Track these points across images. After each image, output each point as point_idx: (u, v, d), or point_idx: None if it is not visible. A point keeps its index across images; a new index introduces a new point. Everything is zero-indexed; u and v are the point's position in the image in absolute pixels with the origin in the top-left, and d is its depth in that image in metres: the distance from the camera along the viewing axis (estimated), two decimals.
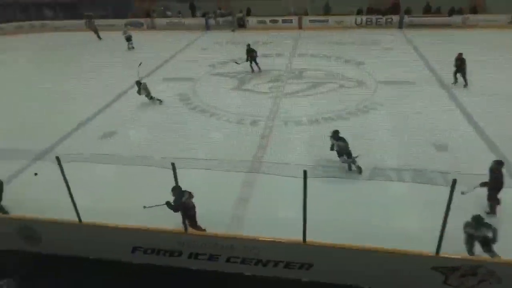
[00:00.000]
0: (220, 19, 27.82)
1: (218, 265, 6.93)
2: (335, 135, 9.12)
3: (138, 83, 13.95)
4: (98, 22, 27.51)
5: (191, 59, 20.13)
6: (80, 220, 7.07)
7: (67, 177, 6.58)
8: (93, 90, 16.06)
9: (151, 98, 14.17)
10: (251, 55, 17.18)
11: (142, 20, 28.41)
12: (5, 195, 8.21)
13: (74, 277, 6.99)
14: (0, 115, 13.92)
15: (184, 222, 6.82)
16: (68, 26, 28.92)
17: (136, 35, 23.82)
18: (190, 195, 7.20)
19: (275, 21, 27.22)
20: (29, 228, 7.33)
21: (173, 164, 6.14)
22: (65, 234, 7.24)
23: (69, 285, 6.88)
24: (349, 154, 9.06)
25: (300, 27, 26.79)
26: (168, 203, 6.92)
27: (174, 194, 6.91)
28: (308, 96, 14.55)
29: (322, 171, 9.38)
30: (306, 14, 27.55)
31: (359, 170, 9.15)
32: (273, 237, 6.62)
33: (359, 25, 26.03)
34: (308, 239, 6.37)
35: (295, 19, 27.05)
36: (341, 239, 6.43)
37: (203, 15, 28.25)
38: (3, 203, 8.12)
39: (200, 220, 7.35)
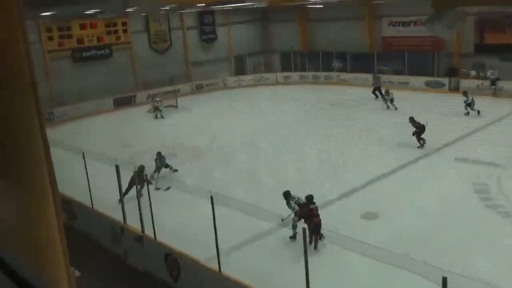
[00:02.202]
0: None
1: None
2: None
3: None
4: (388, 78, 29.70)
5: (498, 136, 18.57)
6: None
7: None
8: (365, 155, 17.11)
9: None
10: None
11: (444, 80, 28.60)
12: None
13: None
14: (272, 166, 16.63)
15: None
16: (352, 80, 32.40)
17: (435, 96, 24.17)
18: None
19: None
20: None
21: (444, 280, 5.62)
22: None
23: None
24: None
25: None
26: None
27: None
28: None
29: None
30: None
31: None
32: None
33: None
34: None
35: None
36: None
37: None
38: None
39: None
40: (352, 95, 28.19)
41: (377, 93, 26.84)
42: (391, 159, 16.60)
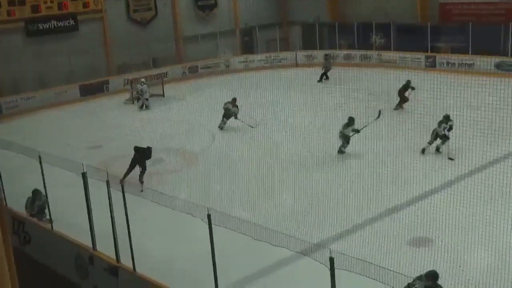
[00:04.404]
0: None
1: None
2: None
3: None
4: (446, 58, 29.54)
5: None
6: None
7: None
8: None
9: None
10: None
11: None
12: None
13: None
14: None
15: None
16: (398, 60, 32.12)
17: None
18: None
19: None
20: None
21: None
22: None
23: None
24: None
25: None
26: None
27: None
28: None
29: None
30: None
31: None
32: None
33: None
34: None
35: None
36: None
37: None
38: None
39: None
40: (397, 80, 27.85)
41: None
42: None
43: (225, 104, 22.25)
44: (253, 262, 11.74)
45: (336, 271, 7.35)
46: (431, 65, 30.92)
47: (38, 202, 13.95)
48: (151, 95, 27.76)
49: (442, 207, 14.02)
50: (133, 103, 27.75)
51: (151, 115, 25.90)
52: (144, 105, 26.80)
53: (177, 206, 11.93)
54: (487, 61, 28.63)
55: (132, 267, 10.54)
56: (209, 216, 8.92)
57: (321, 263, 7.55)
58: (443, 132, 18.02)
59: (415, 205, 14.55)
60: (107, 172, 11.16)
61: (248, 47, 36.68)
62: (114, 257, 11.01)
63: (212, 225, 9.10)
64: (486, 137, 15.51)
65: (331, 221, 13.47)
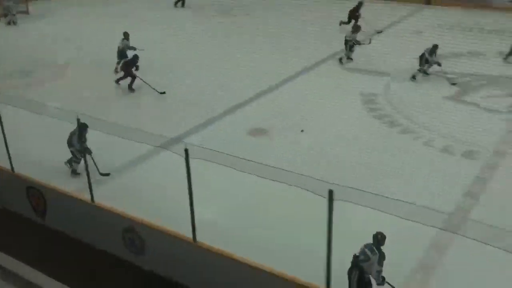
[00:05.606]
0: None
1: None
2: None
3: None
4: None
5: (394, 43, 20.11)
6: (195, 239, 7.75)
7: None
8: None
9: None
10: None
11: None
12: None
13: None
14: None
15: None
16: None
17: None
18: None
19: None
20: (133, 231, 8.44)
21: (330, 193, 6.14)
22: (173, 250, 8.12)
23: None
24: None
25: None
26: None
27: None
28: None
29: None
30: None
31: None
32: None
33: None
34: None
35: None
36: None
37: None
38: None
39: None
40: None
41: None
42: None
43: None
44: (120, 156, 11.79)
45: (192, 160, 7.38)
46: None
47: None
48: (18, 12, 25.51)
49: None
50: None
51: (16, 32, 23.90)
52: (12, 21, 24.65)
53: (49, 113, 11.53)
54: None
55: (10, 168, 10.09)
56: (78, 120, 8.63)
57: (179, 154, 7.68)
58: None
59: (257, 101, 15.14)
60: None
61: None
62: None
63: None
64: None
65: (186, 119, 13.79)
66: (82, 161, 9.80)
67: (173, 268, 8.29)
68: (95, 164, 10.46)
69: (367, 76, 16.87)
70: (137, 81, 15.71)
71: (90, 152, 10.25)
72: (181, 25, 23.56)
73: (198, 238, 7.76)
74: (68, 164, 11.24)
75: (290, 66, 17.53)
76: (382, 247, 7.07)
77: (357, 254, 7.14)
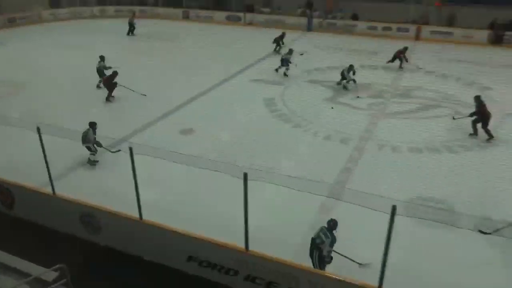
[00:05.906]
0: (325, 21, 27.90)
1: None
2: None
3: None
4: (198, 13, 29.66)
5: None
6: (141, 217, 7.53)
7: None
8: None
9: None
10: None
11: (240, 14, 29.56)
12: None
13: (124, 275, 7.48)
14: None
15: None
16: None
17: (233, 29, 24.92)
18: None
19: (388, 29, 26.44)
20: (91, 215, 8.02)
21: (245, 175, 6.23)
22: (124, 228, 7.79)
23: (117, 283, 7.37)
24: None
25: (417, 38, 25.66)
26: None
27: None
28: (413, 120, 13.85)
29: (420, 211, 8.82)
30: (427, 23, 26.32)
31: None
32: (343, 276, 6.40)
33: (493, 43, 24.13)
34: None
35: (412, 28, 26.00)
36: None
37: (303, 13, 28.64)
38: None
39: (264, 240, 7.35)
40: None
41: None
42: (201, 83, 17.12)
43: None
44: (76, 156, 11.12)
45: (136, 156, 7.10)
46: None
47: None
48: None
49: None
50: None
51: None
52: None
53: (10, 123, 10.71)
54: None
55: None
56: (38, 128, 8.08)
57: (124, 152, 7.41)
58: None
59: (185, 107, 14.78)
60: None
61: (55, 2, 32.15)
62: None
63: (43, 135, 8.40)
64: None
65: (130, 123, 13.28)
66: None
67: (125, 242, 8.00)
68: (106, 149, 10.66)
69: (269, 86, 17.04)
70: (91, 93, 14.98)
71: (100, 144, 10.58)
72: (132, 48, 22.70)
73: (144, 217, 7.57)
74: (88, 162, 10.84)
75: (211, 80, 17.39)
76: (334, 232, 6.92)
77: (313, 237, 6.93)
